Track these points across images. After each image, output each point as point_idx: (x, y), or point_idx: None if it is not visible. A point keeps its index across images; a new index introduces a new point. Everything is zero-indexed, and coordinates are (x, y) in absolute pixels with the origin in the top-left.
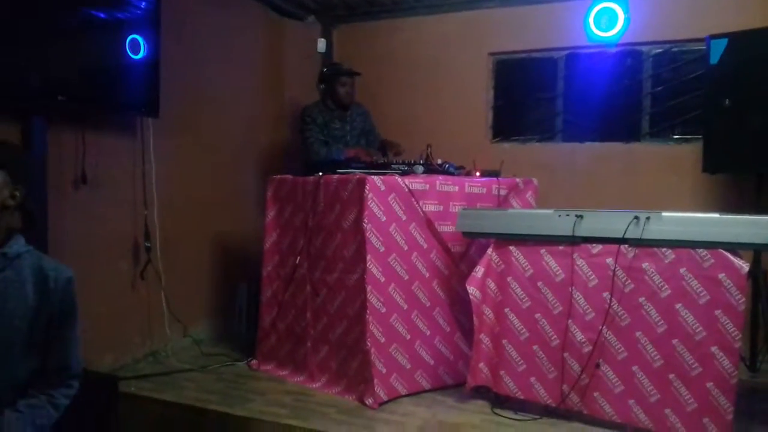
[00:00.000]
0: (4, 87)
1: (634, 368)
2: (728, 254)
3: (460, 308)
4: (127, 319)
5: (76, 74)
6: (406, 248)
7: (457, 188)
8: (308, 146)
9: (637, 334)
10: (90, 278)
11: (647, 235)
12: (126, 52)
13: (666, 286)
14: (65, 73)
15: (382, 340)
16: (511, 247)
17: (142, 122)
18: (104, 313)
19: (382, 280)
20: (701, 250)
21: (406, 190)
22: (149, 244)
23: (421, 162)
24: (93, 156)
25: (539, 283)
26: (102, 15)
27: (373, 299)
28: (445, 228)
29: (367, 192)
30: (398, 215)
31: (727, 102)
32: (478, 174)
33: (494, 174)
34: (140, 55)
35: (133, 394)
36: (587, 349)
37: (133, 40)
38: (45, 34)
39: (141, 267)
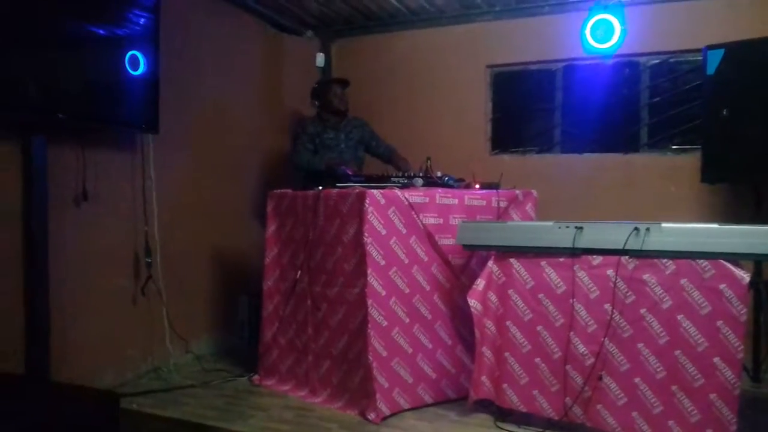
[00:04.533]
0: (4, 105)
1: (637, 380)
2: (729, 265)
3: (462, 321)
4: (128, 335)
5: (75, 91)
6: (406, 261)
7: (456, 201)
8: (293, 153)
9: (639, 345)
10: (91, 294)
11: (647, 247)
12: (125, 68)
13: (667, 297)
14: (65, 90)
15: (384, 354)
16: (511, 260)
17: (142, 138)
18: (105, 329)
19: (383, 293)
20: (702, 261)
21: (406, 203)
22: (150, 260)
23: (421, 175)
24: (93, 172)
25: (540, 296)
26: (101, 32)
27: (375, 313)
28: (446, 241)
29: (366, 206)
30: (398, 228)
31: (724, 112)
32: (477, 186)
33: (494, 186)
34: (140, 71)
35: (134, 411)
36: (589, 361)
37: (133, 56)
38: (45, 52)
39: (142, 283)
